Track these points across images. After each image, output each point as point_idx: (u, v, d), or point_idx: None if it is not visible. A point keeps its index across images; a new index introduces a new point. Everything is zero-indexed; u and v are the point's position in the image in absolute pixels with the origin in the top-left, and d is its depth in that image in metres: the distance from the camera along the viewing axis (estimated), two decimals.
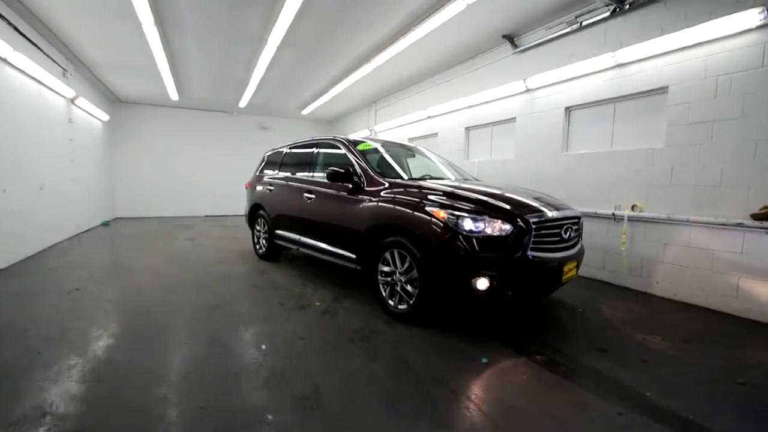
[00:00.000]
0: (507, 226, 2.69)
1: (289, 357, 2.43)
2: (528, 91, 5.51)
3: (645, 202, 4.15)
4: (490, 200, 2.89)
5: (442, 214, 2.79)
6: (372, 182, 3.54)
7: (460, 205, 2.80)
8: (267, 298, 3.67)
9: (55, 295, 3.61)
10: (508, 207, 2.81)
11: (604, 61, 4.41)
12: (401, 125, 8.86)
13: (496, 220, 2.70)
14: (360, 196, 3.55)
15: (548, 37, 5.07)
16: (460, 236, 2.69)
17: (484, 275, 2.65)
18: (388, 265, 3.20)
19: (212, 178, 11.77)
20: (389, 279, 3.19)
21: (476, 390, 2.14)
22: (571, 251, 3.06)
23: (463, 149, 6.87)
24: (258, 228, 5.52)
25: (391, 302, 3.19)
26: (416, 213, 2.94)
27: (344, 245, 3.71)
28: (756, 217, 3.28)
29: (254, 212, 5.61)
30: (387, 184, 3.44)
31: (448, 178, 4.09)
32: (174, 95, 9.25)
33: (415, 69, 7.34)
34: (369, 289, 3.95)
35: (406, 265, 3.02)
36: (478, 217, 2.71)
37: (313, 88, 8.81)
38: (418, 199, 3.02)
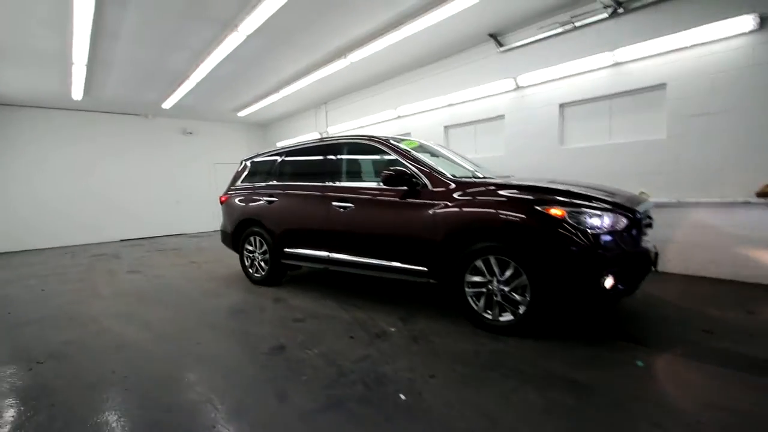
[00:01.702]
0: (625, 220, 2.61)
1: (447, 405, 1.95)
2: (518, 88, 5.65)
3: (650, 189, 4.54)
4: (598, 194, 2.77)
5: (560, 212, 2.58)
6: (438, 184, 3.17)
7: (577, 202, 2.63)
8: (325, 332, 3.01)
9: (13, 371, 2.43)
10: (619, 201, 2.73)
11: (601, 60, 4.71)
12: (363, 126, 8.45)
13: (615, 215, 2.60)
14: (425, 201, 3.14)
15: (539, 37, 5.26)
16: (583, 234, 2.51)
17: (611, 272, 2.52)
18: (479, 274, 2.87)
19: (126, 195, 9.79)
20: (483, 290, 2.87)
21: (677, 401, 1.97)
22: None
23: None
24: (251, 248, 4.60)
25: (487, 315, 2.87)
26: (523, 214, 2.67)
27: (409, 258, 3.25)
28: (760, 194, 3.80)
29: (242, 230, 4.68)
30: (454, 185, 3.11)
31: (478, 175, 3.77)
32: (77, 94, 7.34)
33: (384, 67, 7.03)
34: (432, 303, 3.57)
35: (510, 272, 2.73)
36: (600, 213, 2.57)
37: (265, 86, 7.85)
38: (519, 199, 2.76)
